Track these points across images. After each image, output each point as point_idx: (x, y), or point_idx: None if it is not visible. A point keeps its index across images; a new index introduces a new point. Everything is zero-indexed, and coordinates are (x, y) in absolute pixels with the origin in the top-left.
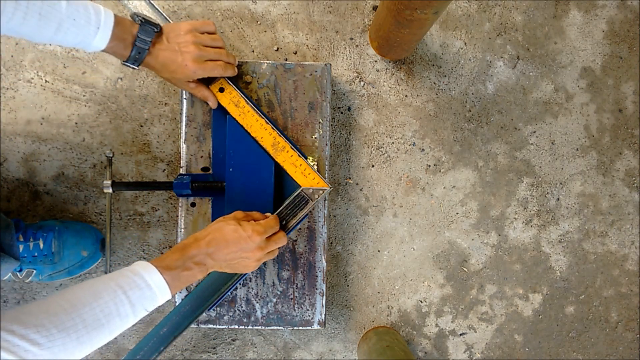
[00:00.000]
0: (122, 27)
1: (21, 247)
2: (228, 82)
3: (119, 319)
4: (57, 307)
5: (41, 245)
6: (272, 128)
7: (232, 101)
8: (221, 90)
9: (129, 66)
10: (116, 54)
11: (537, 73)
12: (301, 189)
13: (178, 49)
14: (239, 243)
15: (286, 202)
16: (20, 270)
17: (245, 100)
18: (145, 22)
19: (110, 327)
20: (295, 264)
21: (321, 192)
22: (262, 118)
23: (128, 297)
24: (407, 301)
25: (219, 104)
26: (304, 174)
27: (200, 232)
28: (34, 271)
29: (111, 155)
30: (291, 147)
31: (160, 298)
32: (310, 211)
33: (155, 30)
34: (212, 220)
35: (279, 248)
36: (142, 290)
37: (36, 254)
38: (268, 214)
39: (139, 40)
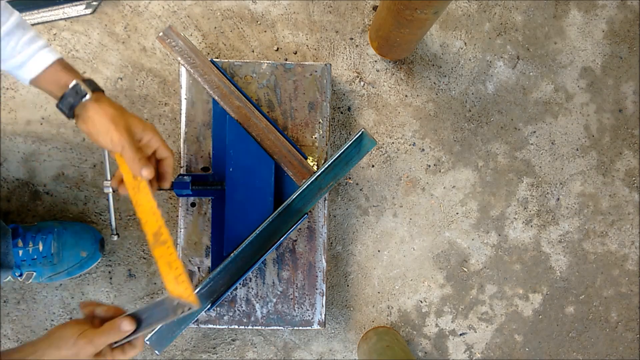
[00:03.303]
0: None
1: (20, 252)
2: None
3: None
4: None
5: (40, 248)
6: (161, 216)
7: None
8: None
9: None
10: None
11: (537, 73)
12: (167, 296)
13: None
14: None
15: (150, 304)
16: (20, 275)
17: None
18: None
19: None
20: (295, 264)
21: (187, 308)
22: (154, 201)
23: None
24: (407, 301)
25: (216, 105)
26: (177, 279)
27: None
28: (34, 273)
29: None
30: (172, 244)
31: None
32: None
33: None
34: (212, 220)
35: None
36: None
37: (35, 257)
38: (119, 317)
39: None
